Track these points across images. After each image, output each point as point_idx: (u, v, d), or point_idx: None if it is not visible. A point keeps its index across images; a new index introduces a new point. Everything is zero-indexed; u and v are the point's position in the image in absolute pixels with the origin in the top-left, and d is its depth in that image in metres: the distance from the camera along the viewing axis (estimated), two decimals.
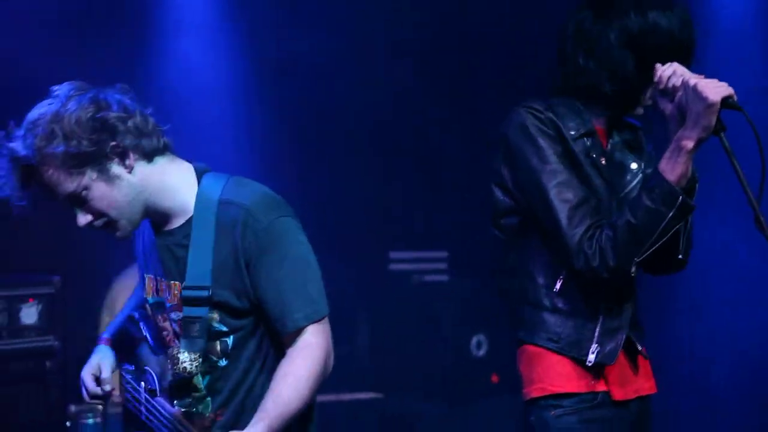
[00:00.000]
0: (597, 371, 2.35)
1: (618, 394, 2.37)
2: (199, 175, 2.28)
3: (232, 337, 2.28)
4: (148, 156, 2.23)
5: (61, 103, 2.16)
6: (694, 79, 2.19)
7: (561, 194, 2.30)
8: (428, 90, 5.61)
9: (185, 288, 2.23)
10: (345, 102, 5.25)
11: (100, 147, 2.15)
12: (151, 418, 2.44)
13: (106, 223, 2.23)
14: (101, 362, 2.53)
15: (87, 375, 2.52)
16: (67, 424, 4.19)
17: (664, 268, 2.44)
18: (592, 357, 2.33)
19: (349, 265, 4.94)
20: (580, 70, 2.37)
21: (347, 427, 4.87)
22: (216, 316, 2.25)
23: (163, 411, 2.41)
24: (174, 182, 2.26)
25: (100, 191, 2.19)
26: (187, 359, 2.24)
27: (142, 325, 2.50)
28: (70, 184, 2.17)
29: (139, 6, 5.16)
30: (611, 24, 2.33)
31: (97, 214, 2.22)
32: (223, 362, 2.28)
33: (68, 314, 4.09)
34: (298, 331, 2.22)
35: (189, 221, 2.24)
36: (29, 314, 3.98)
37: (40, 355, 3.98)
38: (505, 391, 4.85)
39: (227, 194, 2.23)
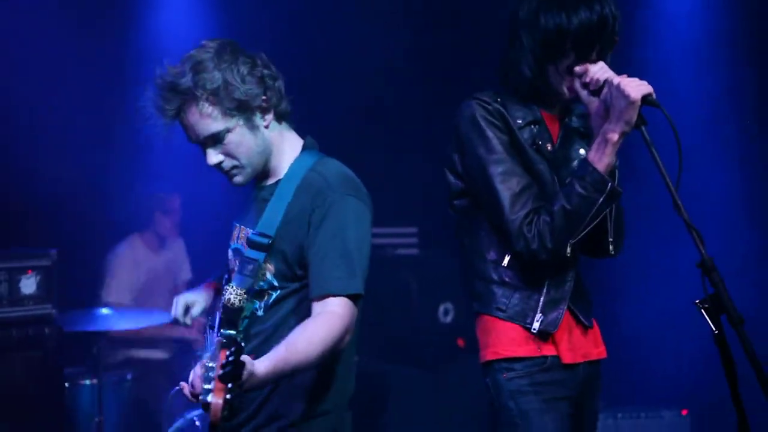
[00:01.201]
0: (544, 337, 2.40)
1: (567, 358, 2.42)
2: (305, 147, 2.40)
3: (274, 294, 2.31)
4: (281, 117, 2.37)
5: (219, 52, 2.26)
6: (617, 78, 2.26)
7: (505, 182, 2.35)
8: (399, 69, 5.61)
9: (253, 234, 2.31)
10: (319, 82, 5.24)
11: (253, 98, 2.27)
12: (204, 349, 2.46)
13: (234, 166, 2.32)
14: (197, 300, 2.62)
15: (181, 301, 2.60)
16: (66, 385, 4.35)
17: (598, 252, 2.50)
18: (536, 325, 2.39)
19: None
20: (507, 63, 2.43)
21: None
22: (271, 267, 2.30)
23: (209, 341, 2.46)
24: (285, 147, 2.38)
25: (239, 136, 2.28)
26: (234, 293, 2.29)
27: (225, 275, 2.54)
28: (218, 124, 2.26)
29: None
30: (530, 20, 2.37)
31: (230, 156, 2.30)
32: (260, 312, 2.33)
33: (64, 284, 4.14)
34: (327, 298, 2.20)
35: (278, 181, 2.35)
36: (28, 284, 4.03)
37: (38, 322, 4.03)
38: (470, 354, 4.87)
39: (317, 166, 2.33)
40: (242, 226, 2.41)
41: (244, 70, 2.27)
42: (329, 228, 2.24)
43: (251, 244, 2.31)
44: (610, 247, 2.47)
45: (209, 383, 1.93)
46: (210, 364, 1.97)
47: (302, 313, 2.27)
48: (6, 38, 4.74)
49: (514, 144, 2.40)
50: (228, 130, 2.27)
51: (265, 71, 2.32)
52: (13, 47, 4.75)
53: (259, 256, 2.30)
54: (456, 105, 2.48)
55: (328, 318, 2.18)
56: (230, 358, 1.90)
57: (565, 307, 2.42)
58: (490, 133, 2.38)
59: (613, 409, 4.76)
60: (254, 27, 5.09)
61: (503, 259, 2.42)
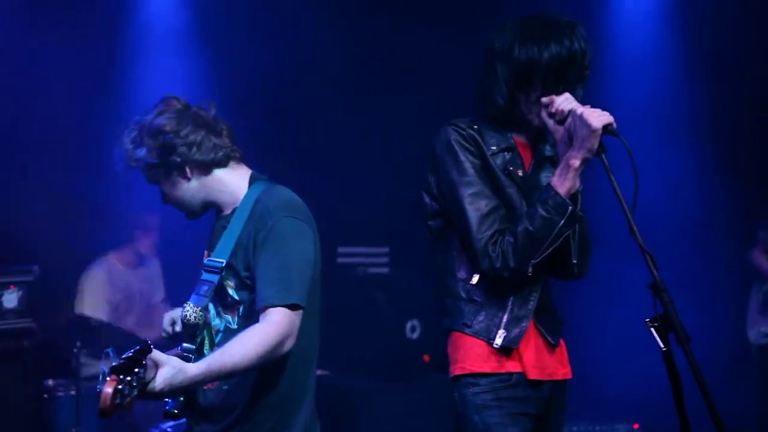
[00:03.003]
0: (509, 353, 2.40)
1: (532, 374, 2.41)
2: (251, 181, 2.55)
3: (242, 306, 2.44)
4: (206, 168, 2.53)
5: (153, 112, 2.53)
6: (581, 108, 2.29)
7: (473, 203, 2.37)
8: (374, 92, 5.58)
9: (209, 259, 2.49)
10: (293, 103, 5.28)
11: (163, 161, 2.50)
12: None
13: (175, 207, 2.59)
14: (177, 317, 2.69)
15: (167, 317, 2.69)
16: (45, 396, 4.30)
17: (563, 273, 2.51)
18: (499, 341, 2.39)
19: None
20: (482, 91, 2.45)
21: None
22: (232, 284, 2.45)
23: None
24: (228, 186, 2.55)
25: (166, 189, 2.56)
26: (190, 310, 2.43)
27: None
28: (147, 177, 2.57)
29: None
30: (504, 51, 2.40)
31: (168, 201, 2.59)
32: (234, 326, 2.45)
33: (45, 300, 4.15)
34: (267, 309, 2.32)
35: (233, 212, 2.51)
36: (10, 299, 4.02)
37: (19, 336, 4.02)
38: (435, 369, 4.88)
39: (261, 195, 2.48)
40: (207, 252, 2.57)
41: (152, 132, 2.49)
42: (270, 247, 2.39)
43: (206, 268, 2.48)
44: (575, 269, 2.49)
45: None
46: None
47: None
48: None
49: (486, 169, 2.42)
50: (156, 182, 2.57)
51: (176, 138, 2.49)
52: None
53: (213, 278, 2.46)
54: (427, 128, 2.54)
55: (264, 326, 2.32)
56: (128, 354, 2.04)
57: (528, 325, 2.42)
58: (462, 157, 2.41)
59: (569, 423, 4.77)
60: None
61: (472, 277, 2.43)
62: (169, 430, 4.10)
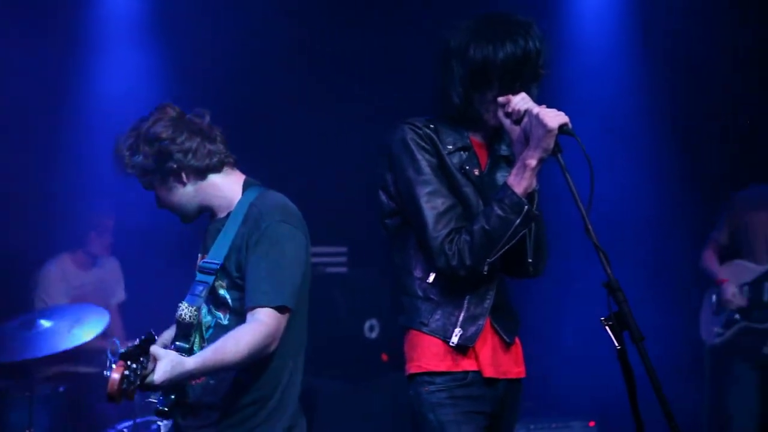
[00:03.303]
0: (464, 351, 2.41)
1: (487, 372, 2.42)
2: (245, 186, 2.62)
3: (233, 304, 2.50)
4: (202, 173, 2.59)
5: (149, 120, 2.59)
6: (537, 108, 2.30)
7: (430, 201, 2.37)
8: (328, 90, 5.55)
9: (204, 261, 2.56)
10: (251, 100, 5.26)
11: (160, 167, 2.56)
12: None
13: (170, 211, 2.64)
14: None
15: (160, 343, 2.65)
16: None
17: (519, 272, 2.52)
18: (455, 339, 2.40)
19: None
20: (439, 90, 2.45)
21: None
22: (224, 284, 2.51)
23: None
24: (223, 191, 2.61)
25: (162, 194, 2.62)
26: (185, 309, 2.50)
27: None
28: (143, 182, 2.62)
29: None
30: (460, 51, 2.40)
31: (163, 205, 2.64)
32: (225, 321, 2.52)
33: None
34: (256, 309, 2.40)
35: (228, 215, 2.58)
36: None
37: None
38: (393, 368, 4.87)
39: (256, 200, 2.55)
40: (201, 255, 2.63)
41: (149, 139, 2.55)
42: (262, 249, 2.45)
43: (202, 269, 2.55)
44: (531, 268, 2.50)
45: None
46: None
47: None
48: None
49: (443, 167, 2.41)
50: (151, 187, 2.63)
51: (171, 144, 2.54)
52: None
53: (208, 279, 2.53)
54: (385, 127, 2.52)
55: (255, 326, 2.39)
56: (135, 343, 2.12)
57: (484, 323, 2.43)
58: (419, 156, 2.41)
59: (525, 421, 4.81)
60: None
61: (428, 276, 2.43)
62: (125, 430, 4.05)
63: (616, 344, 2.08)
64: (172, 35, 5.34)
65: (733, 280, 4.39)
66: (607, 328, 2.09)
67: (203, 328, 2.54)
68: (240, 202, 2.57)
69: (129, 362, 2.12)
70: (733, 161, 4.94)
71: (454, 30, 2.46)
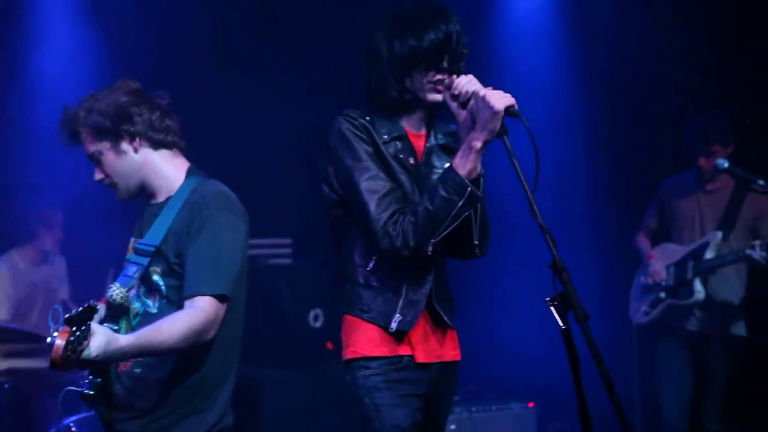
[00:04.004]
0: (400, 337, 2.43)
1: (420, 357, 2.44)
2: (189, 173, 2.58)
3: (165, 291, 2.46)
4: (155, 145, 2.55)
5: (108, 89, 2.56)
6: (483, 90, 2.31)
7: (370, 187, 2.38)
8: (275, 80, 5.50)
9: (140, 243, 2.50)
10: (189, 88, 5.03)
11: (116, 127, 2.50)
12: None
13: (111, 183, 2.57)
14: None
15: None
16: None
17: (465, 253, 2.54)
18: (394, 325, 2.42)
19: None
20: (371, 84, 2.49)
21: None
22: (159, 269, 2.45)
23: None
24: (167, 170, 2.57)
25: (110, 159, 2.54)
26: (116, 290, 2.45)
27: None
28: (91, 147, 2.54)
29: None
30: (385, 46, 2.44)
31: (105, 175, 2.56)
32: (153, 310, 2.47)
33: None
34: (195, 296, 2.36)
35: (167, 200, 2.53)
36: None
37: None
38: (338, 356, 4.94)
39: (198, 187, 2.52)
40: (134, 239, 2.58)
41: (113, 104, 2.52)
42: (203, 237, 2.41)
43: (137, 251, 2.50)
44: (476, 249, 2.52)
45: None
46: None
47: None
48: None
49: (379, 156, 2.43)
50: (99, 153, 2.53)
51: (133, 107, 2.53)
52: None
53: (143, 261, 2.47)
54: (328, 121, 2.54)
55: (193, 311, 2.35)
56: (79, 309, 2.06)
57: (422, 309, 2.45)
58: (356, 145, 2.42)
59: (467, 404, 4.86)
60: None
61: (369, 263, 2.44)
62: (71, 425, 3.99)
63: (561, 324, 2.07)
64: (105, 14, 5.21)
65: (661, 261, 4.53)
66: (552, 308, 2.08)
67: (131, 315, 2.50)
68: (181, 188, 2.53)
69: (74, 328, 2.04)
70: (665, 147, 5.04)
71: (376, 30, 2.49)
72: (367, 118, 2.46)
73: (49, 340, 2.05)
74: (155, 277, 2.46)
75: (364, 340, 2.43)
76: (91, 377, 2.42)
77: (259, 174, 5.36)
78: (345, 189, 2.44)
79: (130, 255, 2.51)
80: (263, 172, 5.43)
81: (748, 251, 4.14)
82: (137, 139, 2.53)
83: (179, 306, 2.40)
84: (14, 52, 5.08)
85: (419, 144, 2.53)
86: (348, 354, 2.46)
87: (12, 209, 4.75)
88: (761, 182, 4.10)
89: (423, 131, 2.54)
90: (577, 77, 5.67)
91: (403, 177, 2.44)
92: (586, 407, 2.09)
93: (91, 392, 2.40)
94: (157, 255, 2.45)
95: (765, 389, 4.69)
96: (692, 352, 4.42)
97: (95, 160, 2.55)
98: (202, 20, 5.31)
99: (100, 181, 2.58)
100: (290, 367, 4.97)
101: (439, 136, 2.56)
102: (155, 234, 2.47)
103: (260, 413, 4.82)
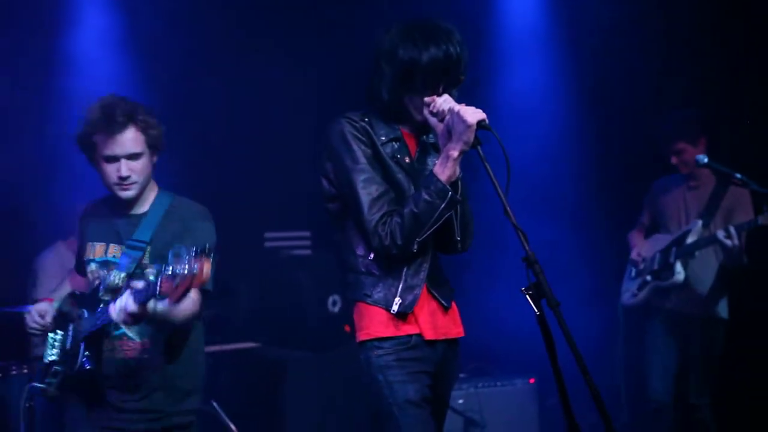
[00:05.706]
0: (407, 318, 2.51)
1: (428, 335, 2.52)
2: (160, 189, 3.01)
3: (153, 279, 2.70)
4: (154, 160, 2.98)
5: (145, 106, 2.93)
6: (458, 106, 2.43)
7: (365, 188, 2.46)
8: (293, 81, 5.56)
9: (131, 240, 2.87)
10: (218, 102, 5.30)
11: (160, 143, 2.94)
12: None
13: (134, 182, 2.88)
14: (47, 310, 2.98)
15: (35, 311, 2.97)
16: None
17: (448, 248, 2.64)
18: (395, 308, 2.50)
19: (233, 244, 4.98)
20: (371, 88, 2.58)
21: (233, 369, 5.03)
22: (152, 270, 2.79)
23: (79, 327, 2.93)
24: (150, 185, 2.99)
25: (144, 164, 2.89)
26: (117, 275, 2.82)
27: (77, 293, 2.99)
28: (138, 147, 2.86)
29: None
30: (389, 52, 2.51)
31: (134, 173, 2.86)
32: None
33: None
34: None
35: (146, 212, 2.92)
36: None
37: None
38: (354, 338, 5.04)
39: (174, 201, 2.96)
40: (110, 244, 2.91)
41: (157, 121, 2.92)
42: (196, 241, 2.69)
43: (130, 246, 2.86)
44: (459, 245, 2.66)
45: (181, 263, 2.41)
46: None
47: None
48: None
49: (377, 156, 2.52)
50: (141, 155, 2.87)
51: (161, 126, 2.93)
52: None
53: (136, 254, 2.84)
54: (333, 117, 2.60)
55: (192, 297, 2.74)
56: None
57: (420, 292, 2.53)
58: (355, 147, 2.50)
59: (474, 380, 5.01)
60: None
61: (369, 254, 2.52)
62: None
63: (536, 310, 2.20)
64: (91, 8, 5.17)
65: (651, 250, 4.72)
66: (527, 297, 2.21)
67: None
68: (159, 198, 2.93)
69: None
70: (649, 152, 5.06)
71: (386, 32, 2.55)
72: (366, 120, 2.52)
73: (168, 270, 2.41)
74: (151, 278, 2.65)
75: (375, 322, 2.49)
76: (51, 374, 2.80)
77: (279, 172, 5.44)
78: (343, 187, 2.51)
79: (127, 251, 2.84)
80: (282, 170, 5.51)
81: (717, 234, 4.28)
82: (156, 156, 2.95)
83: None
84: (54, 38, 5.01)
85: (413, 143, 2.62)
86: (362, 336, 2.52)
87: (57, 204, 4.91)
88: (738, 176, 4.29)
89: (416, 132, 2.63)
90: (566, 82, 5.64)
91: (400, 176, 2.53)
92: (563, 382, 2.24)
93: (52, 387, 2.78)
94: (153, 254, 2.82)
95: (747, 366, 4.80)
96: (676, 331, 4.54)
97: (131, 158, 2.84)
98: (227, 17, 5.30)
99: (126, 176, 2.85)
100: (311, 349, 5.05)
101: (431, 136, 2.65)
102: (142, 235, 2.85)
103: (284, 390, 4.95)
